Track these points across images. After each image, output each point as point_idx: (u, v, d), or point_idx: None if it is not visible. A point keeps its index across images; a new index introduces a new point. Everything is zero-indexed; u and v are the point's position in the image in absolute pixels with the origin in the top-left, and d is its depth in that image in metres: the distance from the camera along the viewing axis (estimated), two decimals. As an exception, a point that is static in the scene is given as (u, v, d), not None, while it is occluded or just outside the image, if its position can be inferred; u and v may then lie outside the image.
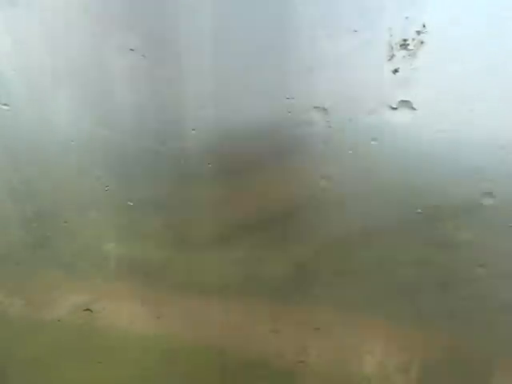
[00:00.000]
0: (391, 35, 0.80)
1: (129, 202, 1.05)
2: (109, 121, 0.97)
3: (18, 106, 1.00)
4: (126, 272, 1.13)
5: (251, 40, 0.86)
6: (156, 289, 1.13)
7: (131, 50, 0.90)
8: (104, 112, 0.97)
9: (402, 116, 0.85)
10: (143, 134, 0.97)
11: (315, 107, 0.88)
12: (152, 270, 1.11)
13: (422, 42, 0.79)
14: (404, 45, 0.80)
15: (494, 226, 0.90)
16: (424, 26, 0.78)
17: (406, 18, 0.78)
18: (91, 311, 1.18)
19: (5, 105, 0.99)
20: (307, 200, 0.96)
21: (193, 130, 0.94)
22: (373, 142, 0.88)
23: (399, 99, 0.84)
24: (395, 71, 0.82)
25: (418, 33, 0.79)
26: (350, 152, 0.90)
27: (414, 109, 0.84)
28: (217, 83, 0.90)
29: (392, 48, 0.81)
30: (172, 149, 0.97)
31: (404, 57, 0.81)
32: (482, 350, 1.00)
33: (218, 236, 1.02)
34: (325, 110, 0.88)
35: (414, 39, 0.79)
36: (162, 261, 1.11)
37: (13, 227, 1.14)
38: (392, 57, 0.81)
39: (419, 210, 0.92)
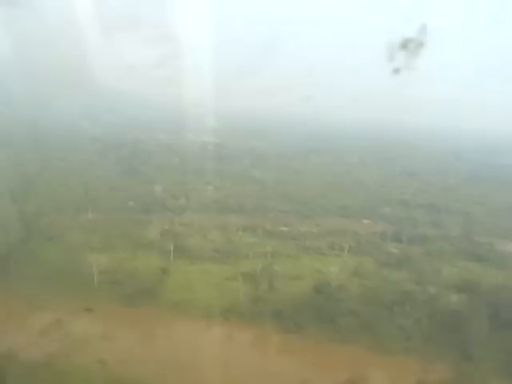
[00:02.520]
0: (391, 35, 0.80)
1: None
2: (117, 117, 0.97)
3: (18, 105, 1.00)
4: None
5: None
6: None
7: (134, 49, 0.89)
8: (112, 109, 0.96)
9: (403, 115, 0.85)
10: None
11: (314, 107, 0.88)
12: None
13: (422, 42, 0.79)
14: (404, 45, 0.80)
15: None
16: (424, 26, 0.78)
17: (406, 18, 0.78)
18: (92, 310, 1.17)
19: (5, 104, 0.99)
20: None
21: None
22: (372, 142, 0.88)
23: (399, 99, 0.84)
24: (395, 71, 0.82)
25: (418, 33, 0.79)
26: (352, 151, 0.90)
27: (414, 108, 0.84)
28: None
29: (392, 48, 0.81)
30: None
31: (404, 57, 0.81)
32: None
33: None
34: (324, 109, 0.88)
35: (414, 39, 0.79)
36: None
37: (12, 227, 1.13)
38: (392, 57, 0.81)
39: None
